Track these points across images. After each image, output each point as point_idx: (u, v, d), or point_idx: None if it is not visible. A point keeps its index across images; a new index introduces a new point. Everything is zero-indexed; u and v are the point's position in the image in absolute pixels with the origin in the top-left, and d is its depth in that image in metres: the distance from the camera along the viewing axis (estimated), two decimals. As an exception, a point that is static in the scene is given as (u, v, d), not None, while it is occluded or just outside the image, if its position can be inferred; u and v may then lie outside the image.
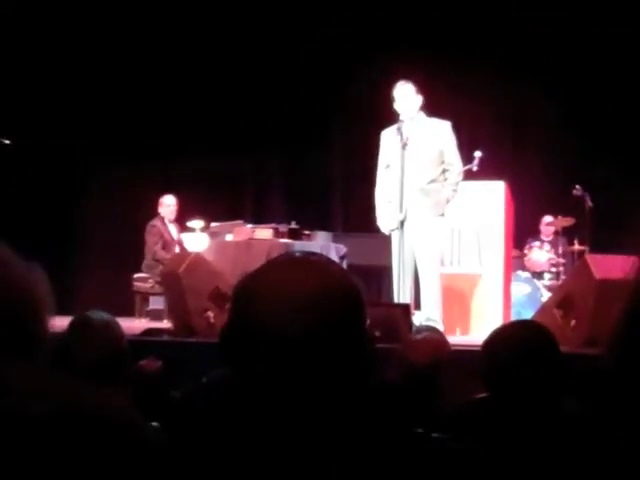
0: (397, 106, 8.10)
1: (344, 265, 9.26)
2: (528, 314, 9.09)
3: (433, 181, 8.05)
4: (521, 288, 11.06)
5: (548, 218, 12.01)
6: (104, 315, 3.78)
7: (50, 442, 1.32)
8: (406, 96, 8.08)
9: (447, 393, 3.85)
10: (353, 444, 1.62)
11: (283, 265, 1.67)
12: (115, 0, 12.29)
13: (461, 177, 8.23)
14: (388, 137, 8.20)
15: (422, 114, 8.16)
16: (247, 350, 1.58)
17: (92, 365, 3.47)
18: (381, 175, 8.30)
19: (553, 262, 11.69)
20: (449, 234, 9.08)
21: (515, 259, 11.11)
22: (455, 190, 8.14)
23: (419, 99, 8.11)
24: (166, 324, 9.11)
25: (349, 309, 1.61)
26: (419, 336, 4.57)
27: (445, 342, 4.36)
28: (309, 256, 1.70)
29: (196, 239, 10.50)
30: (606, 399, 0.94)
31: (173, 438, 1.81)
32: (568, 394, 2.89)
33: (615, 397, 0.94)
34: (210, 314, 7.80)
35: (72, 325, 3.74)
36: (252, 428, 1.61)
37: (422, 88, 8.19)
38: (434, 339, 4.22)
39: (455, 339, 7.68)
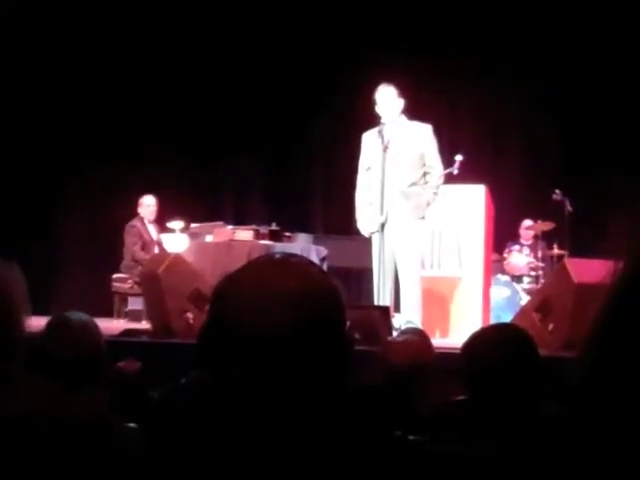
0: (378, 109, 8.10)
1: (324, 267, 9.26)
2: (507, 317, 9.10)
3: (414, 184, 8.05)
4: (500, 291, 11.09)
5: (528, 222, 12.04)
6: (82, 315, 3.76)
7: (23, 442, 1.31)
8: (387, 99, 8.08)
9: (426, 395, 3.85)
10: (331, 445, 1.61)
11: (263, 266, 1.67)
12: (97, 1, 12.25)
13: (442, 180, 8.23)
14: (369, 140, 8.21)
15: (403, 117, 8.17)
16: (225, 351, 1.57)
17: (70, 366, 3.45)
18: (362, 177, 8.30)
19: (532, 266, 11.72)
20: (429, 237, 9.08)
21: (495, 263, 11.14)
22: (436, 193, 8.15)
23: (400, 102, 8.12)
24: (145, 325, 9.09)
25: (328, 311, 1.61)
26: (400, 338, 4.57)
27: (428, 345, 4.36)
28: (289, 257, 1.70)
29: (176, 240, 10.47)
30: (582, 402, 0.93)
31: (151, 439, 1.80)
32: (547, 397, 2.89)
33: (590, 399, 0.94)
34: (189, 315, 7.78)
35: (49, 325, 3.71)
36: (229, 429, 1.60)
37: (403, 91, 8.20)
38: (415, 342, 4.21)
39: (434, 342, 7.65)
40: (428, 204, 8.11)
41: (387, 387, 3.73)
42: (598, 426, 0.92)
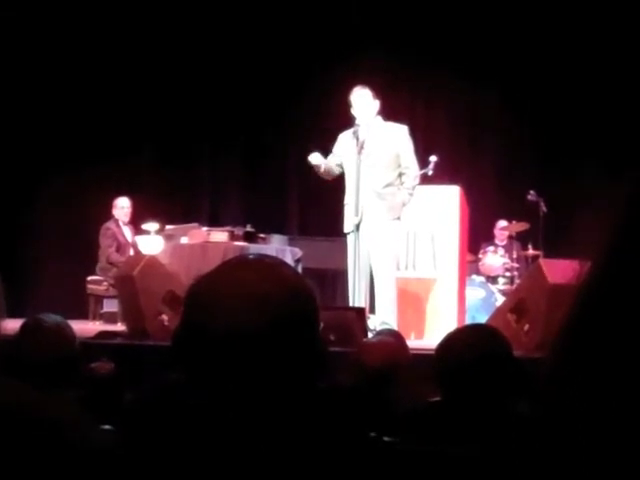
0: (354, 111, 8.11)
1: (299, 268, 9.26)
2: (482, 318, 9.13)
3: (389, 185, 8.06)
4: (475, 292, 11.11)
5: (502, 223, 12.07)
6: (56, 318, 3.75)
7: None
8: (363, 101, 8.09)
9: (401, 397, 3.86)
10: (305, 446, 1.61)
11: (236, 267, 1.67)
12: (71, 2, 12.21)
13: (417, 181, 8.25)
14: (344, 140, 8.22)
15: (379, 118, 8.18)
16: (198, 352, 1.57)
17: (43, 367, 3.44)
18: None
19: (507, 267, 11.75)
20: (404, 238, 9.09)
21: (470, 263, 11.16)
22: (411, 194, 8.16)
23: (376, 104, 8.13)
24: (120, 327, 9.07)
25: (302, 311, 1.61)
26: (374, 339, 4.57)
27: (403, 346, 4.36)
28: (263, 258, 1.70)
29: (151, 242, 10.45)
30: (550, 402, 0.94)
31: (126, 440, 1.80)
32: (521, 398, 2.90)
33: (558, 400, 0.94)
34: (164, 317, 7.78)
35: (24, 327, 3.71)
36: (204, 430, 1.60)
37: (378, 91, 8.22)
38: (389, 343, 4.22)
39: (410, 343, 7.66)
40: (403, 205, 8.12)
41: (361, 388, 3.74)
42: (566, 426, 0.93)
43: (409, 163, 8.14)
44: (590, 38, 11.68)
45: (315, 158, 8.30)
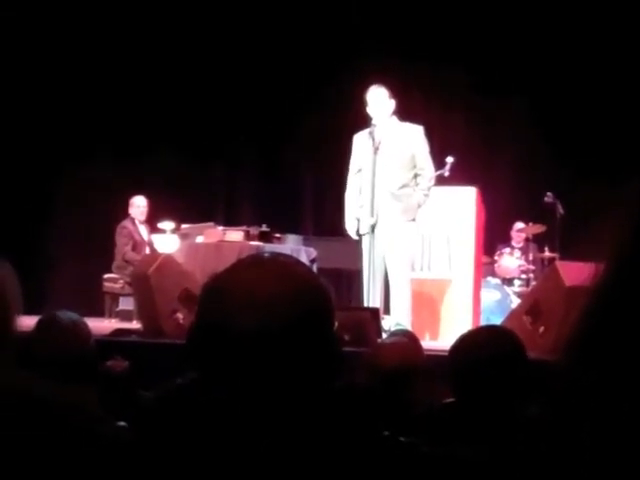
0: (370, 110, 8.09)
1: (314, 268, 9.26)
2: (497, 320, 9.10)
3: (405, 186, 8.04)
4: (491, 294, 11.08)
5: (519, 225, 12.04)
6: (72, 315, 3.76)
7: (13, 439, 1.32)
8: (379, 100, 8.07)
9: (415, 398, 3.85)
10: (319, 445, 1.61)
11: (251, 265, 1.67)
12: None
13: (433, 182, 8.23)
14: (360, 141, 8.20)
15: (394, 118, 8.16)
16: (212, 350, 1.57)
17: (58, 364, 3.45)
18: (352, 179, 8.30)
19: (523, 269, 11.72)
20: (420, 239, 9.07)
21: (485, 265, 11.14)
22: (427, 195, 8.14)
23: (392, 103, 8.11)
24: (135, 325, 9.09)
25: (316, 310, 1.61)
26: (388, 340, 4.56)
27: (417, 347, 4.35)
28: (277, 257, 1.70)
29: (166, 240, 10.47)
30: (564, 404, 0.94)
31: (146, 437, 1.80)
32: (535, 400, 2.89)
33: (572, 401, 0.94)
34: (179, 315, 7.79)
35: (39, 324, 3.72)
36: (218, 428, 1.61)
37: (395, 92, 8.20)
38: (403, 343, 4.21)
39: (424, 344, 7.66)
40: (419, 206, 8.11)
41: (375, 389, 3.73)
42: (579, 428, 0.93)
43: (424, 164, 8.12)
44: (608, 39, 11.64)
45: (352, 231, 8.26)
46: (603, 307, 0.95)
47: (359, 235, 8.13)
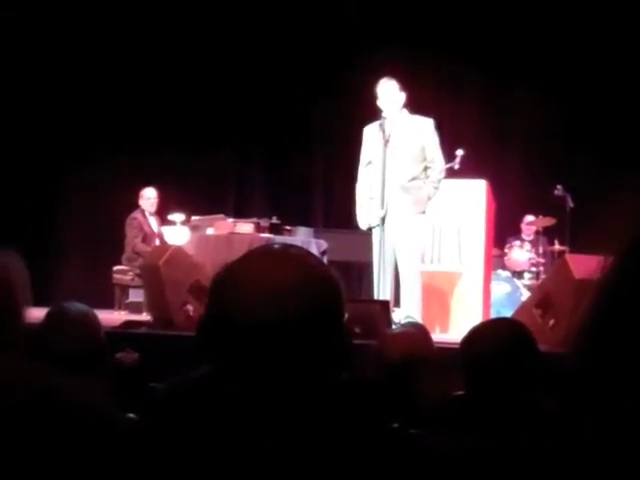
0: (380, 103, 8.08)
1: (324, 261, 9.26)
2: (507, 313, 9.09)
3: (415, 178, 8.04)
4: (501, 287, 11.07)
5: (529, 217, 12.03)
6: (81, 306, 3.76)
7: (27, 426, 1.32)
8: (389, 93, 8.06)
9: (425, 390, 3.84)
10: (330, 438, 1.61)
11: (261, 256, 1.67)
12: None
13: (443, 175, 8.23)
14: (370, 133, 8.20)
15: (405, 111, 8.15)
16: (222, 341, 1.57)
17: (68, 357, 3.45)
18: (362, 171, 8.29)
19: (533, 262, 11.71)
20: (430, 232, 9.06)
21: (495, 258, 11.13)
22: (437, 188, 8.13)
23: (402, 96, 8.10)
24: (145, 317, 9.10)
25: (326, 301, 1.60)
26: (394, 331, 4.55)
27: (427, 339, 4.34)
28: (288, 248, 1.69)
29: (177, 232, 10.48)
30: (574, 395, 0.94)
31: (156, 430, 1.80)
32: (546, 393, 2.89)
33: (582, 393, 0.94)
34: (189, 307, 7.80)
35: (49, 316, 3.72)
36: (228, 420, 1.60)
37: (405, 84, 8.18)
38: (409, 334, 4.20)
39: (434, 336, 7.67)
40: (429, 198, 8.10)
41: (380, 379, 3.73)
42: (589, 420, 0.93)
43: (434, 157, 8.11)
44: (621, 32, 11.61)
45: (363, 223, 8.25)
46: (610, 300, 0.95)
47: (370, 228, 8.13)
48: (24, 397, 1.36)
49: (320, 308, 1.58)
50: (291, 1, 12.67)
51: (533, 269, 11.67)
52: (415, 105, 8.35)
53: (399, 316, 7.90)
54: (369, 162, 8.19)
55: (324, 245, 10.34)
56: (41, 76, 12.06)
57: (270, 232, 10.04)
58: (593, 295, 0.97)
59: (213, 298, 1.62)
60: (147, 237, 10.80)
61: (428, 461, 2.43)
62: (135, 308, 10.29)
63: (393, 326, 7.25)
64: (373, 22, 12.38)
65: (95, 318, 3.76)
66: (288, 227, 10.42)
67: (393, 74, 8.23)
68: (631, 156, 10.86)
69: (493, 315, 9.58)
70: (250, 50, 12.77)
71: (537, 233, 11.99)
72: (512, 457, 2.51)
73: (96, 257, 11.98)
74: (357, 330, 6.72)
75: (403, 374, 3.72)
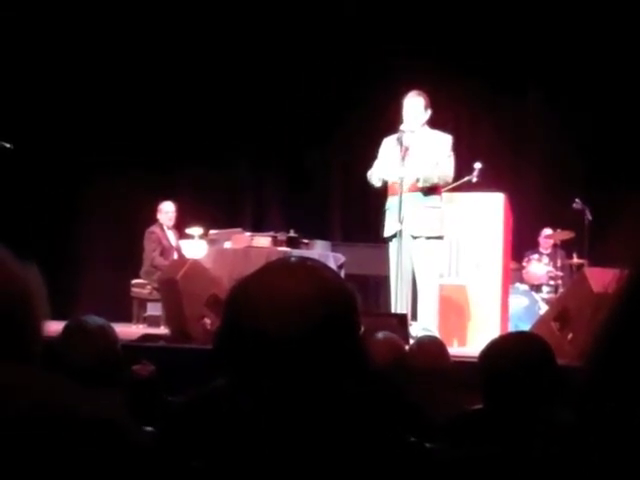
0: (404, 114, 8.05)
1: (342, 274, 9.26)
2: (526, 327, 9.06)
3: (431, 193, 8.07)
4: (519, 301, 11.05)
5: (547, 231, 12.00)
6: (98, 320, 3.77)
7: (37, 442, 1.32)
8: (415, 109, 8.05)
9: (443, 404, 3.83)
10: (346, 451, 1.61)
11: (277, 270, 1.67)
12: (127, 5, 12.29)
13: (448, 181, 8.19)
14: (388, 146, 8.20)
15: (426, 127, 8.14)
16: (239, 354, 1.57)
17: (85, 370, 3.46)
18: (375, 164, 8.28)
19: (552, 275, 11.68)
20: (447, 245, 9.05)
21: (513, 271, 11.10)
22: (440, 178, 8.05)
23: (427, 114, 8.09)
24: (163, 330, 9.11)
25: (343, 314, 1.60)
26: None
27: (444, 353, 4.33)
28: (304, 261, 1.69)
29: (194, 246, 10.49)
30: (589, 409, 0.94)
31: (172, 443, 1.81)
32: (564, 407, 2.88)
33: (596, 407, 0.94)
34: (207, 321, 7.80)
35: (66, 329, 3.73)
36: (246, 434, 1.60)
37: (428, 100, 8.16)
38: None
39: (452, 350, 7.66)
40: (438, 179, 8.02)
41: (402, 393, 3.73)
42: (603, 432, 0.92)
43: (445, 166, 8.05)
44: (635, 46, 11.58)
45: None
46: (626, 313, 0.95)
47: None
48: (40, 410, 1.37)
49: (336, 321, 1.58)
50: (313, 18, 12.68)
51: (551, 282, 11.64)
52: (434, 117, 8.33)
53: (416, 330, 7.89)
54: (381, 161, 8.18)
55: (342, 259, 10.33)
56: (62, 89, 12.10)
57: (287, 245, 10.04)
58: (609, 308, 0.96)
59: (229, 311, 1.62)
60: (165, 251, 10.81)
61: (442, 475, 2.42)
62: (153, 321, 10.31)
63: (410, 340, 7.25)
64: (393, 39, 12.38)
65: (112, 331, 3.78)
66: (305, 240, 10.41)
67: (411, 87, 8.22)
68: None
69: (511, 329, 9.55)
70: (271, 65, 12.79)
71: (555, 246, 11.96)
72: (531, 471, 2.50)
73: (114, 271, 12.00)
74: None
75: (421, 387, 3.72)
